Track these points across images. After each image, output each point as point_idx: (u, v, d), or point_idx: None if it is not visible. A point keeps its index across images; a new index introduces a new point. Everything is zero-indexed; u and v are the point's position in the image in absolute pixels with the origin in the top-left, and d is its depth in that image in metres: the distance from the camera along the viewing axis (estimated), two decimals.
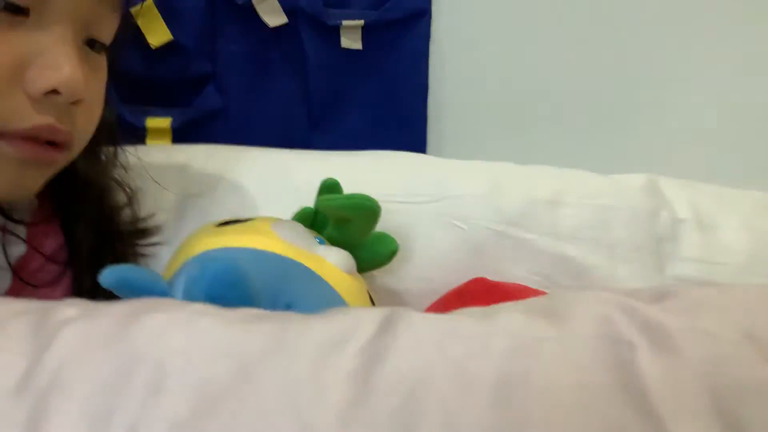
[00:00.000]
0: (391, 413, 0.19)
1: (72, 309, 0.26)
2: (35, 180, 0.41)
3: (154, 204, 0.55)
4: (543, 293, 0.52)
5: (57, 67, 0.37)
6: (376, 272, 0.55)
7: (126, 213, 0.52)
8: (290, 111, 0.73)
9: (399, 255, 0.54)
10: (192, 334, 0.23)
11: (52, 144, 0.39)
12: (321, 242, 0.47)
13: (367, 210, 0.47)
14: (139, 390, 0.20)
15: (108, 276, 0.34)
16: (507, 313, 0.25)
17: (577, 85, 0.75)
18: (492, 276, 0.56)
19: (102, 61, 0.43)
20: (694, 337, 0.22)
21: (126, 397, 0.20)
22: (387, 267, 0.55)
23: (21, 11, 0.37)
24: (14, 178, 0.39)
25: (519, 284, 0.53)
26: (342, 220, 0.49)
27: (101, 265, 0.35)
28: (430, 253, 0.57)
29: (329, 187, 0.50)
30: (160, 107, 0.70)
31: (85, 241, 0.48)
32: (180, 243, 0.47)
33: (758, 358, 0.20)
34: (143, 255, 0.54)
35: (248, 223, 0.46)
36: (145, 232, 0.53)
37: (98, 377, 0.21)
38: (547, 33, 0.74)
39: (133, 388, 0.20)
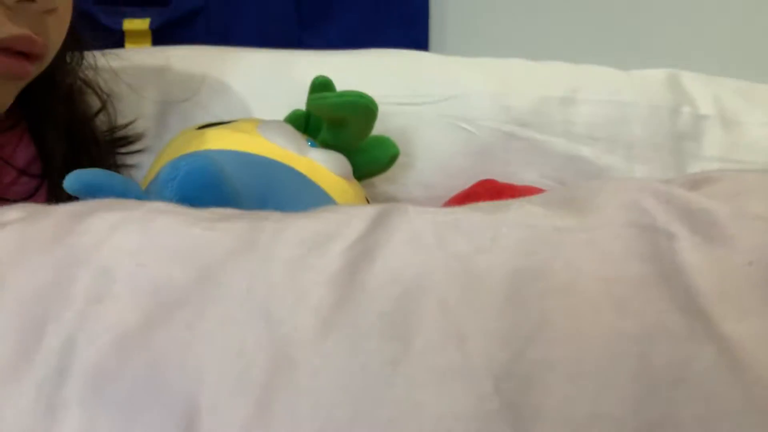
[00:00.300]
0: (380, 317, 0.16)
1: (16, 212, 0.22)
2: (8, 93, 0.38)
3: (134, 110, 0.51)
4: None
5: None
6: (376, 179, 0.52)
7: (101, 119, 0.48)
8: (278, 8, 0.67)
9: (400, 160, 0.51)
10: (146, 235, 0.19)
11: (24, 55, 0.37)
12: (313, 145, 0.43)
13: (361, 108, 0.43)
14: (79, 297, 0.17)
15: (72, 180, 0.31)
16: (520, 205, 0.21)
17: None
18: (501, 180, 0.53)
19: None
20: (744, 224, 0.18)
21: (62, 305, 0.17)
22: (387, 174, 0.51)
23: None
24: None
25: (530, 186, 0.49)
26: (336, 122, 0.45)
27: None
28: (433, 157, 0.54)
29: (321, 86, 0.46)
30: (138, 7, 0.64)
31: (57, 148, 0.45)
32: (160, 150, 0.44)
33: None
34: (125, 166, 0.50)
35: (232, 124, 0.42)
36: (123, 140, 0.49)
37: (32, 283, 0.17)
38: None
39: (72, 296, 0.17)
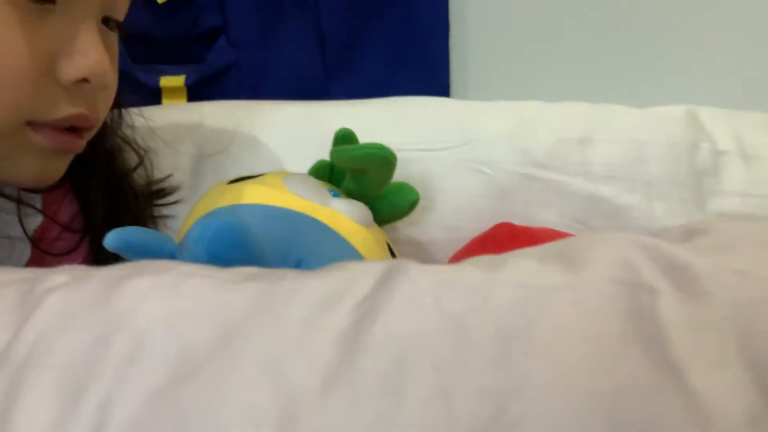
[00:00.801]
0: (378, 377, 0.17)
1: (62, 276, 0.25)
2: (60, 167, 0.41)
3: (170, 164, 0.54)
4: (571, 236, 0.49)
5: (86, 56, 0.37)
6: (399, 223, 0.54)
7: (139, 174, 0.51)
8: (305, 60, 0.70)
9: (422, 204, 0.52)
10: (175, 298, 0.21)
11: (76, 130, 0.39)
12: (335, 195, 0.45)
13: (380, 159, 0.45)
14: (116, 359, 0.19)
15: (111, 239, 0.33)
16: (517, 260, 0.22)
17: (608, 10, 0.70)
18: (521, 221, 0.54)
19: (115, 38, 0.42)
20: (723, 279, 0.19)
21: (101, 367, 0.19)
22: (410, 218, 0.53)
23: (47, 0, 0.36)
24: (42, 167, 0.40)
25: (547, 228, 0.50)
26: (357, 172, 0.47)
27: None
28: (454, 200, 0.55)
29: (343, 138, 0.48)
30: (173, 65, 0.68)
31: (98, 205, 0.48)
32: (194, 202, 0.46)
33: None
34: (162, 216, 0.53)
35: (259, 178, 0.44)
36: (160, 193, 0.52)
37: (75, 347, 0.20)
38: None
39: (110, 358, 0.19)
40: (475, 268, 0.22)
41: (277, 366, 0.18)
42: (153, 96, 0.68)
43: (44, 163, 0.39)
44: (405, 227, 0.54)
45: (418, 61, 0.72)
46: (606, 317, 0.18)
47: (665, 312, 0.18)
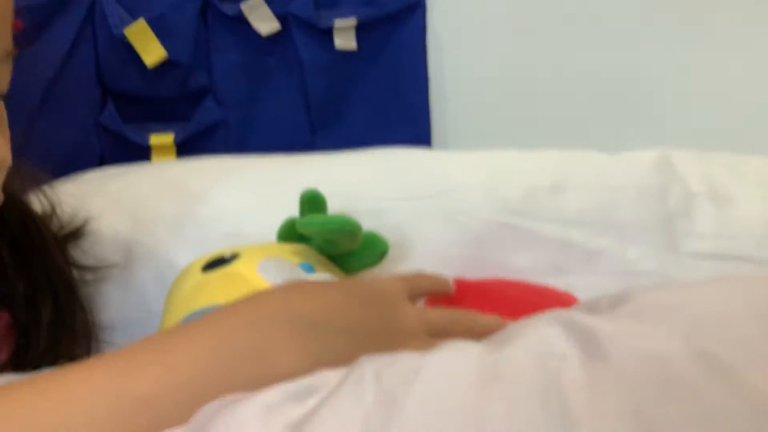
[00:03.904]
0: None
1: None
2: None
3: (151, 220, 0.56)
4: (521, 283, 0.51)
5: None
6: (375, 269, 0.55)
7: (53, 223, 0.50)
8: (291, 117, 0.73)
9: (398, 253, 0.54)
10: None
11: None
12: (309, 270, 0.46)
13: (345, 233, 0.48)
14: None
15: None
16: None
17: (582, 62, 0.73)
18: (495, 267, 0.55)
19: (3, 109, 0.41)
20: (621, 342, 0.21)
21: None
22: (386, 267, 0.54)
23: None
24: None
25: (500, 279, 0.52)
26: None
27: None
28: (430, 248, 0.57)
29: (309, 200, 0.50)
30: (162, 123, 0.71)
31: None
32: (170, 286, 0.47)
33: (687, 359, 0.19)
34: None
35: (233, 266, 0.45)
36: (73, 235, 0.51)
37: None
38: (546, 12, 0.72)
39: None
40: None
41: None
42: (143, 154, 0.70)
43: None
44: (382, 274, 0.56)
45: (399, 114, 0.74)
46: (517, 381, 0.20)
47: (569, 374, 0.20)
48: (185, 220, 0.57)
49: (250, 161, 0.63)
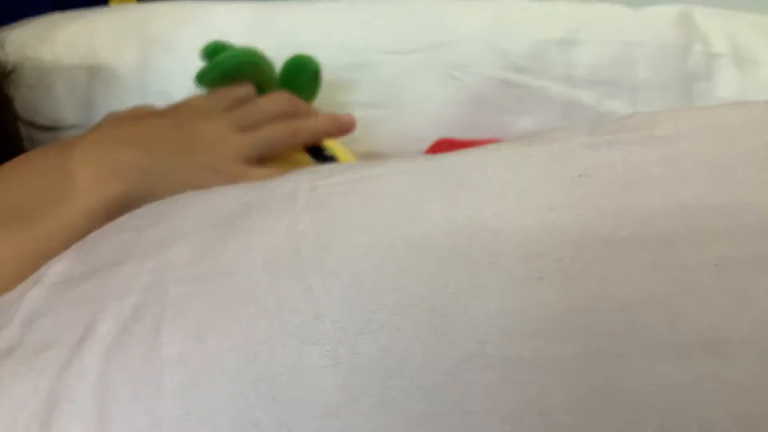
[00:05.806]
0: None
1: None
2: None
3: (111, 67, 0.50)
4: None
5: None
6: (361, 136, 0.49)
7: None
8: None
9: (388, 114, 0.49)
10: None
11: None
12: None
13: (249, 65, 0.43)
14: None
15: None
16: None
17: None
18: (495, 130, 0.50)
19: None
20: None
21: None
22: (375, 129, 0.49)
23: None
24: None
25: (496, 139, 0.47)
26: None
27: None
28: (424, 109, 0.51)
29: (211, 53, 0.44)
30: None
31: None
32: None
33: None
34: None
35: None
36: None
37: None
38: None
39: None
40: None
41: None
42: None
43: None
44: (368, 139, 0.50)
45: None
46: None
47: None
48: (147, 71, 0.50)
49: (217, 6, 0.55)
